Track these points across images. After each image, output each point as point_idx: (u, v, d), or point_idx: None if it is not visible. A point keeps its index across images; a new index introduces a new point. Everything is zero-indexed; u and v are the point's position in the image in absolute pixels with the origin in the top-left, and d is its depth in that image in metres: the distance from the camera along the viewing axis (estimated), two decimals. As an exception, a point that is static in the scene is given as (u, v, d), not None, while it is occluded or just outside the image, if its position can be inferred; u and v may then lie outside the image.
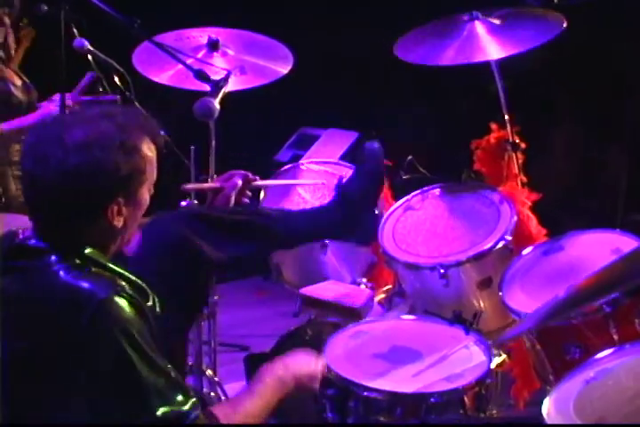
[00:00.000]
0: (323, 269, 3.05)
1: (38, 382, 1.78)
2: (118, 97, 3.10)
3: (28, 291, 1.79)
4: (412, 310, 2.88)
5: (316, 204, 3.10)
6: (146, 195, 1.87)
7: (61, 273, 1.77)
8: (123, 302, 1.75)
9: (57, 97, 3.12)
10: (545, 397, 1.87)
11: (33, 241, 1.82)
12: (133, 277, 1.85)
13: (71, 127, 1.78)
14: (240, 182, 2.62)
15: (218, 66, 2.99)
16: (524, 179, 3.14)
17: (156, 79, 3.08)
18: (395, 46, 3.04)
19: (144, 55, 3.09)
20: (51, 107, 3.21)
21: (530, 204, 2.91)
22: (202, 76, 2.69)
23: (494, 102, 3.13)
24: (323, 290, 2.79)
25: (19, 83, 3.39)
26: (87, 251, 1.81)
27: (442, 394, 2.26)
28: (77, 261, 1.79)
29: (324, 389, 2.32)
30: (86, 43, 3.07)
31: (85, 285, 1.75)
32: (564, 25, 2.90)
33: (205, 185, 2.75)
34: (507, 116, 3.11)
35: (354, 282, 3.01)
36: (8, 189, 3.36)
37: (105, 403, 1.75)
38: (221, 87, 2.68)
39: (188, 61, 2.89)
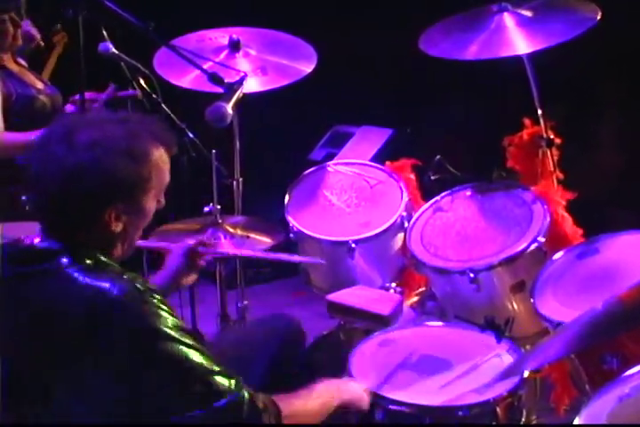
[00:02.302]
0: (351, 273, 2.97)
1: (71, 388, 1.75)
2: (139, 91, 3.05)
3: (45, 296, 1.76)
4: (442, 314, 2.79)
5: (342, 206, 3.03)
6: (150, 203, 1.85)
7: (77, 275, 1.75)
8: (147, 297, 1.74)
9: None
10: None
11: (41, 244, 1.81)
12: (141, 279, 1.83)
13: (82, 127, 1.78)
14: (191, 243, 2.41)
15: (239, 67, 2.94)
16: (561, 176, 3.04)
17: (177, 83, 3.03)
18: (420, 39, 2.94)
19: (164, 59, 3.05)
20: None
21: (564, 203, 2.80)
22: (216, 79, 2.64)
23: (527, 97, 3.03)
24: (350, 296, 2.71)
25: (40, 86, 3.36)
26: (97, 254, 1.80)
27: (471, 407, 2.17)
28: (88, 262, 1.78)
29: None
30: (111, 46, 3.03)
31: (106, 285, 1.73)
32: (599, 16, 2.77)
33: (155, 244, 2.55)
34: (540, 111, 3.00)
35: (383, 286, 2.94)
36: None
37: (162, 396, 1.73)
38: (236, 90, 2.62)
39: (207, 64, 2.84)
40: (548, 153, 3.01)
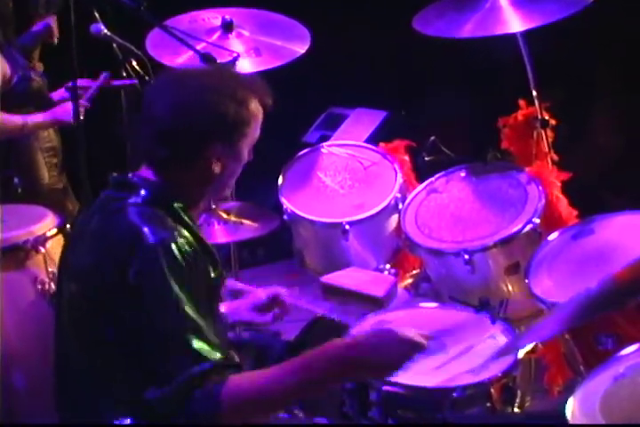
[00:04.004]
0: (345, 255, 2.97)
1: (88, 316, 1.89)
2: (137, 82, 3.03)
3: (101, 225, 1.92)
4: (437, 296, 2.79)
5: (336, 188, 3.02)
6: (245, 150, 1.97)
7: (132, 212, 1.88)
8: (175, 251, 1.83)
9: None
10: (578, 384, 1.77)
11: (134, 178, 1.95)
12: (206, 242, 1.95)
13: (190, 74, 1.99)
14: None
15: (232, 48, 2.92)
16: (555, 157, 3.03)
17: (169, 64, 3.00)
18: (414, 19, 2.93)
19: (157, 40, 3.02)
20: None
21: (559, 184, 2.80)
22: (208, 59, 2.62)
23: (522, 78, 3.01)
24: (344, 278, 2.70)
25: (41, 69, 3.35)
26: (175, 204, 1.92)
27: (466, 388, 2.17)
28: (176, 205, 1.91)
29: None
30: (103, 28, 3.01)
31: (146, 229, 1.85)
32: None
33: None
34: (535, 92, 2.99)
35: (377, 268, 2.93)
36: (41, 177, 3.33)
37: (149, 331, 1.82)
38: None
39: (200, 45, 2.81)
40: (543, 134, 3.01)
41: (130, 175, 1.97)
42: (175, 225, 1.89)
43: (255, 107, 1.95)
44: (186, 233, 1.90)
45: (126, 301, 1.84)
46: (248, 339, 2.51)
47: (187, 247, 1.86)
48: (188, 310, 1.82)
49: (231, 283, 2.45)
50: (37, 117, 3.19)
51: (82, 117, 2.97)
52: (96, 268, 1.88)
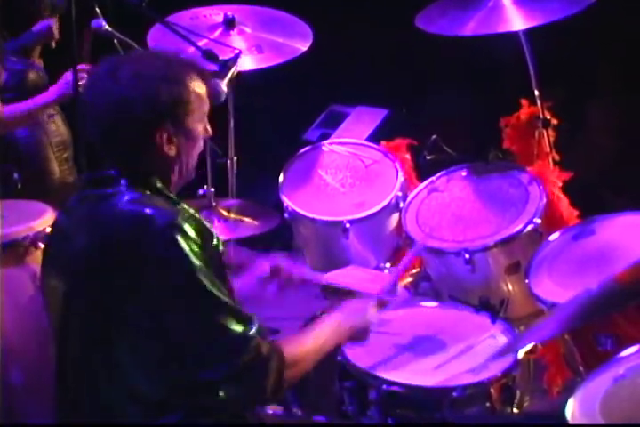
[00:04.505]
0: (345, 253, 2.96)
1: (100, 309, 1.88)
2: None
3: (93, 215, 1.92)
4: (437, 295, 2.78)
5: (337, 186, 3.01)
6: (196, 126, 1.96)
7: (126, 199, 1.89)
8: (188, 228, 1.85)
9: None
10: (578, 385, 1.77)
11: (104, 172, 1.95)
12: (197, 215, 1.95)
13: (124, 63, 1.95)
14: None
15: (234, 45, 2.90)
16: (557, 157, 3.03)
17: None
18: (417, 17, 2.92)
19: (158, 36, 3.01)
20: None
21: (560, 184, 2.79)
22: (210, 56, 2.61)
23: (524, 77, 3.00)
24: (343, 276, 2.69)
25: (39, 62, 3.34)
26: (157, 185, 1.93)
27: (465, 387, 2.17)
28: (147, 192, 1.91)
29: (343, 381, 2.25)
30: (104, 23, 3.00)
31: (148, 211, 1.86)
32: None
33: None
34: (537, 92, 2.98)
35: (377, 267, 2.92)
36: (52, 172, 3.32)
37: (176, 318, 1.83)
38: (230, 68, 2.59)
39: (202, 42, 2.81)
40: (545, 134, 3.00)
41: (105, 171, 1.96)
42: (171, 203, 1.91)
43: (194, 83, 1.94)
44: (185, 207, 1.93)
45: (149, 288, 1.83)
46: None
47: (193, 222, 1.88)
48: (217, 292, 1.83)
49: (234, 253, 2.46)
50: (39, 99, 3.13)
51: (84, 81, 2.89)
52: (92, 258, 1.88)
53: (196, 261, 1.83)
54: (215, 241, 1.94)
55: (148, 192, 1.91)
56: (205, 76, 1.98)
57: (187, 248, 1.83)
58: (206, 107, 1.98)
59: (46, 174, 3.30)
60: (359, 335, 2.14)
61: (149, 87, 1.89)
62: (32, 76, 3.27)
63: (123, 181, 1.91)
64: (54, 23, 3.32)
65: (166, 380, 1.86)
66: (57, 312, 1.96)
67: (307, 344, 1.98)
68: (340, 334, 2.07)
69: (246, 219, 3.12)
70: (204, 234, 1.90)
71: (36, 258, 2.61)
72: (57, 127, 3.31)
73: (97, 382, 1.89)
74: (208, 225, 1.97)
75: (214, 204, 3.09)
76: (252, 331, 1.86)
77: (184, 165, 1.97)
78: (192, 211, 1.95)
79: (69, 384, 1.95)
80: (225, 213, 3.11)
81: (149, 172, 1.93)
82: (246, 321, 1.86)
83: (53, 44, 3.37)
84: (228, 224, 3.09)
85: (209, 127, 2.01)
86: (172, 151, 1.92)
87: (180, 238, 1.83)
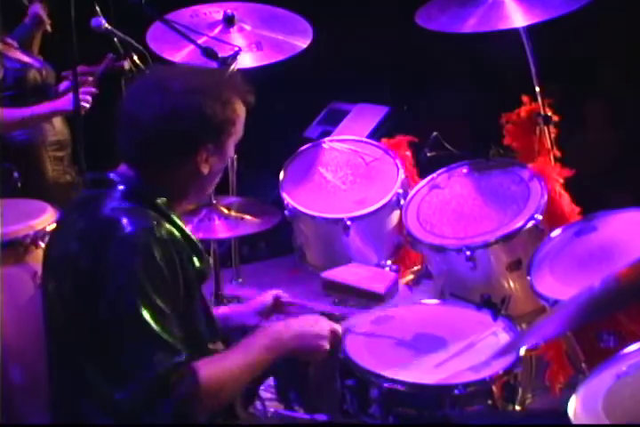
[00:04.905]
0: (346, 250, 2.96)
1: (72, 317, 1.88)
2: (126, 62, 3.01)
3: (77, 218, 1.91)
4: (438, 292, 2.77)
5: (338, 183, 3.00)
6: (231, 149, 1.98)
7: (110, 206, 1.87)
8: (151, 241, 1.82)
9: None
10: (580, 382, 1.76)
11: (111, 174, 1.94)
12: (191, 235, 1.94)
13: (173, 76, 1.94)
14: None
15: (234, 42, 2.90)
16: (558, 153, 3.02)
17: (170, 58, 2.99)
18: (417, 14, 2.91)
19: (158, 34, 3.01)
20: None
21: (562, 180, 2.79)
22: (210, 53, 2.60)
23: (525, 74, 2.99)
24: (344, 273, 2.69)
25: (27, 60, 3.32)
26: (157, 200, 1.91)
27: (467, 385, 2.15)
28: (137, 204, 1.88)
29: (344, 379, 2.24)
30: (103, 21, 3.00)
31: (124, 219, 1.84)
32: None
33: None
34: (538, 89, 2.97)
35: (379, 264, 2.92)
36: (45, 171, 3.31)
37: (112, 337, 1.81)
38: (229, 65, 2.59)
39: (202, 39, 2.80)
40: (546, 130, 2.99)
41: (107, 173, 1.95)
42: (157, 217, 1.88)
43: (239, 105, 1.95)
44: (166, 224, 1.88)
45: (96, 296, 1.81)
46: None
47: (165, 236, 1.85)
48: (151, 315, 1.78)
49: (233, 289, 2.46)
50: (38, 109, 3.17)
51: (88, 105, 3.00)
52: (71, 260, 1.86)
53: (145, 275, 1.79)
54: (200, 263, 1.93)
55: (139, 205, 1.88)
56: (247, 99, 1.97)
57: (142, 258, 1.79)
58: (242, 130, 1.98)
59: (38, 173, 3.29)
60: (306, 354, 2.06)
61: (202, 103, 1.88)
62: (31, 74, 3.27)
63: (120, 188, 1.89)
64: (40, 9, 3.32)
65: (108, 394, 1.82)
66: (45, 312, 1.96)
67: (228, 367, 1.89)
68: (275, 348, 1.97)
69: (247, 216, 3.12)
70: (180, 250, 1.86)
71: (36, 257, 2.60)
72: (53, 127, 3.31)
73: (70, 387, 1.89)
74: (198, 245, 1.95)
75: (215, 201, 3.09)
76: (173, 359, 1.79)
77: (207, 185, 1.99)
78: (187, 231, 1.92)
79: (55, 384, 1.95)
80: (225, 210, 3.11)
81: (159, 187, 1.91)
82: (170, 348, 1.80)
83: (49, 28, 3.37)
84: (229, 222, 3.09)
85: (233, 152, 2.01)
86: (205, 169, 1.92)
87: (137, 248, 1.80)
